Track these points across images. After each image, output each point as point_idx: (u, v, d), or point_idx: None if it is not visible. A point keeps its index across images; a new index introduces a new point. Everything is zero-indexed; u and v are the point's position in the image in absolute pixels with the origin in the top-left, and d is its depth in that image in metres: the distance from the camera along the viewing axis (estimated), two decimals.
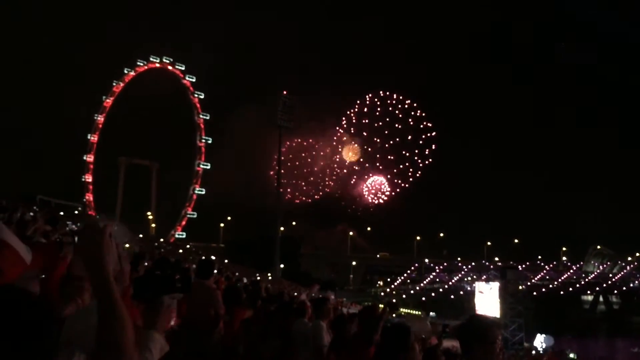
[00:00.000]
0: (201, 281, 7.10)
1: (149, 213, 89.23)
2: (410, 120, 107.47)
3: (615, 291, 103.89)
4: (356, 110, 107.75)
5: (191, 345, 6.59)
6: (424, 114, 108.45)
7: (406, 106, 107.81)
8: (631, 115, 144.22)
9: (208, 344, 6.62)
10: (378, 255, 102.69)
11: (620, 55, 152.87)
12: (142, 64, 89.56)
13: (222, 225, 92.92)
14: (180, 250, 51.94)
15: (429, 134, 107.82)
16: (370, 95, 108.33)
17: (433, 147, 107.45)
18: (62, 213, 37.43)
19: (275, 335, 8.21)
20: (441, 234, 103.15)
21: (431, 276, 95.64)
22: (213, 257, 54.37)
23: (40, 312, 1.55)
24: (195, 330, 6.65)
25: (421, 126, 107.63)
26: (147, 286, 2.98)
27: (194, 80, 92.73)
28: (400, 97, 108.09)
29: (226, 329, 6.94)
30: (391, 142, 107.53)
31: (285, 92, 77.09)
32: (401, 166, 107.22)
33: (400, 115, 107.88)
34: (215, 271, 8.80)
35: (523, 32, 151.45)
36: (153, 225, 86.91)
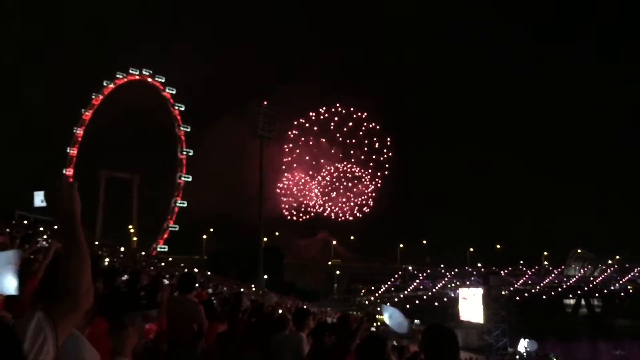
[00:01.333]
0: (183, 295, 7.09)
1: (130, 227, 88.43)
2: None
3: (597, 294, 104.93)
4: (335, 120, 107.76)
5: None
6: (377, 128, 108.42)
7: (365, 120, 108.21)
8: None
9: (191, 358, 6.61)
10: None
11: None
12: (121, 76, 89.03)
13: (204, 237, 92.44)
14: (162, 264, 51.49)
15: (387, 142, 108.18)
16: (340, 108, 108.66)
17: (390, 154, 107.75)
18: (41, 228, 36.94)
19: (254, 347, 8.22)
20: (424, 241, 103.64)
21: (415, 283, 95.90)
22: (196, 270, 54.08)
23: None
24: (177, 345, 6.65)
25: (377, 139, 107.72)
26: (111, 303, 3.00)
27: (174, 92, 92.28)
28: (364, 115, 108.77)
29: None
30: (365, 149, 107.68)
31: (265, 103, 77.03)
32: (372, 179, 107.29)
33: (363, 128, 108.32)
34: (197, 285, 8.79)
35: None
36: (135, 238, 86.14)
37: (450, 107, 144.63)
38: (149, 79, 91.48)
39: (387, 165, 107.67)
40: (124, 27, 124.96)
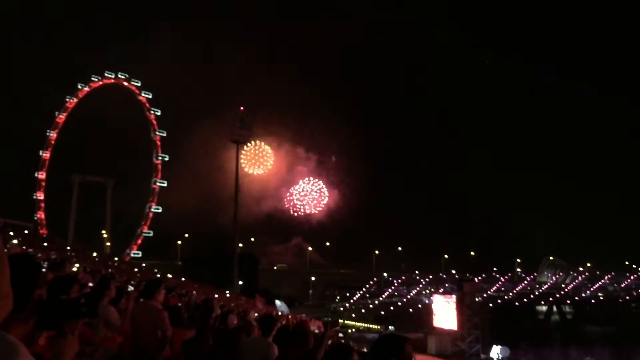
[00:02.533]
0: (147, 301, 7.03)
1: (103, 232, 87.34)
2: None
3: (568, 301, 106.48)
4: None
5: None
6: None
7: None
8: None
9: None
10: (341, 270, 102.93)
11: None
12: (96, 80, 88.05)
13: (179, 242, 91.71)
14: (136, 269, 50.88)
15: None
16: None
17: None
18: (11, 233, 36.35)
19: (223, 354, 8.19)
20: (399, 248, 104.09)
21: (390, 290, 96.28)
22: (170, 276, 53.61)
23: None
24: (141, 352, 6.59)
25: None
26: (50, 311, 2.97)
27: (150, 96, 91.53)
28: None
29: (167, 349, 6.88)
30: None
31: (242, 108, 77.02)
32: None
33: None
34: (164, 290, 8.72)
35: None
36: (108, 244, 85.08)
37: (427, 112, 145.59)
38: (125, 83, 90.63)
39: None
40: (100, 29, 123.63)
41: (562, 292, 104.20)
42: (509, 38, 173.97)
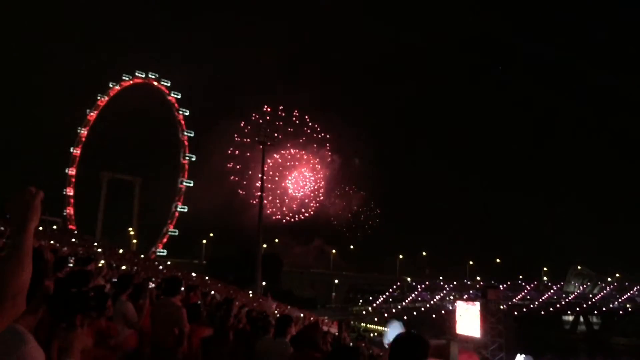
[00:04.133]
0: (166, 299, 7.10)
1: (130, 229, 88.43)
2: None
3: (596, 311, 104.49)
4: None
5: None
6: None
7: None
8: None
9: None
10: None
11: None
12: (127, 79, 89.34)
13: (204, 242, 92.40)
14: (160, 267, 51.46)
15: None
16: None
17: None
18: (40, 228, 37.00)
19: (241, 353, 8.23)
20: (424, 253, 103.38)
21: (413, 295, 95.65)
22: (194, 275, 54.06)
23: None
24: (159, 348, 6.66)
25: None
26: (60, 304, 3.01)
27: (179, 96, 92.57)
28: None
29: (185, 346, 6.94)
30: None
31: (268, 109, 77.36)
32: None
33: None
34: (183, 288, 8.79)
35: None
36: (134, 241, 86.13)
37: (454, 120, 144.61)
38: (155, 83, 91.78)
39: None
40: (131, 30, 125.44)
41: (590, 302, 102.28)
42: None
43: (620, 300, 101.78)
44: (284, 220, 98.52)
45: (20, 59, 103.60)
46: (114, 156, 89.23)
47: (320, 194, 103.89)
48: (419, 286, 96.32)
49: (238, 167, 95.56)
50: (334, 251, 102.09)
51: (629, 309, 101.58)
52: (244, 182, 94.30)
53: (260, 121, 78.14)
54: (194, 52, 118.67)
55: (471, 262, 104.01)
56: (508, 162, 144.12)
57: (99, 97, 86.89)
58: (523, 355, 53.00)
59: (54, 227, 46.12)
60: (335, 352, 4.23)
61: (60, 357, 2.89)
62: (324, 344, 6.60)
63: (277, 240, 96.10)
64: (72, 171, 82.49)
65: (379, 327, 77.88)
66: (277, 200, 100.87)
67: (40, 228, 36.92)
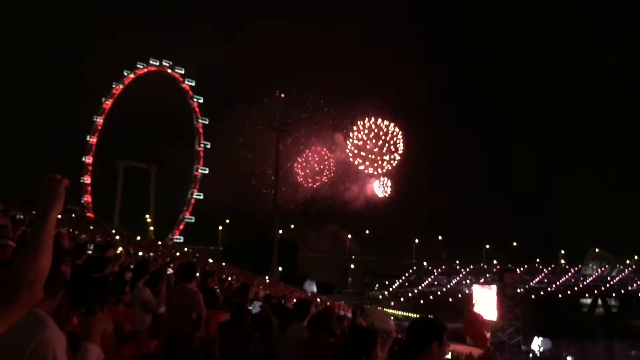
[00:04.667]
0: (183, 284, 7.14)
1: (147, 216, 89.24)
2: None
3: (614, 294, 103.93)
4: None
5: (171, 348, 6.65)
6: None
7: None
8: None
9: (189, 347, 6.67)
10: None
11: None
12: (141, 67, 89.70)
13: (220, 228, 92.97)
14: (178, 254, 51.91)
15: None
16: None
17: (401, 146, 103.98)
18: (59, 216, 37.38)
19: (259, 339, 8.29)
20: (440, 237, 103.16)
21: (429, 279, 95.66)
22: (211, 261, 54.48)
23: None
24: (175, 334, 6.71)
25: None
26: (79, 289, 3.05)
27: (193, 84, 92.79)
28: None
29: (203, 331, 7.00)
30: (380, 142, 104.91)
31: (282, 95, 77.17)
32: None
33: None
34: (199, 274, 8.85)
35: None
36: (151, 228, 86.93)
37: (469, 103, 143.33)
38: (169, 70, 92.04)
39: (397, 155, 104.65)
40: (146, 17, 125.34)
41: (608, 285, 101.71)
42: None
43: (638, 282, 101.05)
44: (293, 207, 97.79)
45: (37, 49, 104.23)
46: (130, 144, 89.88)
47: (334, 179, 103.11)
48: (435, 270, 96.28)
49: (250, 155, 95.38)
50: (349, 236, 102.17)
51: None
52: (257, 171, 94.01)
53: (273, 107, 77.54)
54: (208, 38, 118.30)
55: (488, 246, 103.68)
56: (530, 144, 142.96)
57: (114, 86, 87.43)
58: (540, 338, 53.15)
59: (72, 215, 46.65)
60: (351, 334, 4.20)
61: (81, 342, 2.93)
62: (338, 328, 6.60)
63: (292, 226, 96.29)
64: (88, 159, 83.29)
65: (395, 312, 78.15)
66: (290, 189, 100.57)
67: (59, 216, 37.30)
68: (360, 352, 3.83)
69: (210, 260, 55.62)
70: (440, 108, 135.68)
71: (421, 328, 3.65)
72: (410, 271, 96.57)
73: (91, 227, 41.66)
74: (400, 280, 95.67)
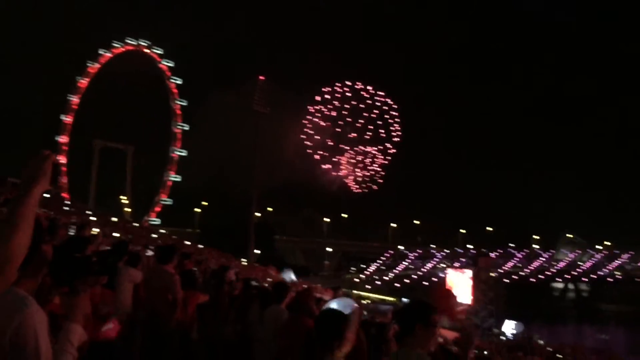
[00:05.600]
0: (160, 266, 7.18)
1: (123, 197, 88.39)
2: (377, 104, 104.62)
3: (585, 279, 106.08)
4: (326, 96, 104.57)
5: (149, 330, 6.69)
6: (391, 103, 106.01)
7: (372, 91, 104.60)
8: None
9: (166, 328, 6.71)
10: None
11: None
12: (118, 46, 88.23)
13: (197, 210, 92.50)
14: (154, 235, 51.56)
15: (395, 120, 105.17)
16: (338, 84, 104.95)
17: (398, 132, 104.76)
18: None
19: (235, 321, 8.36)
20: (416, 222, 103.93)
21: (405, 263, 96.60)
22: (188, 243, 54.28)
23: None
24: (153, 315, 6.76)
25: (386, 110, 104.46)
26: (62, 269, 3.05)
27: (171, 65, 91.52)
28: (368, 88, 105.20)
29: (181, 313, 7.04)
30: (357, 125, 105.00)
31: (262, 78, 76.82)
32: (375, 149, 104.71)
33: (368, 102, 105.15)
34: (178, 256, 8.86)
35: None
36: (127, 209, 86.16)
37: (448, 83, 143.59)
38: (146, 50, 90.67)
39: (394, 142, 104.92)
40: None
41: (579, 270, 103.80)
42: None
43: (609, 268, 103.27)
44: (271, 190, 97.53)
45: (13, 28, 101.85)
46: (106, 124, 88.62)
47: (312, 161, 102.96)
48: (411, 254, 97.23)
49: (231, 136, 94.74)
50: (326, 219, 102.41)
51: (619, 277, 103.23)
52: (237, 154, 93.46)
53: (253, 90, 77.32)
54: (189, 18, 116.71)
55: (463, 231, 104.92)
56: (502, 131, 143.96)
57: (89, 64, 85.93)
58: (513, 322, 54.18)
59: (47, 195, 46.00)
60: (321, 317, 4.23)
61: (63, 322, 2.94)
62: (318, 309, 6.70)
63: (270, 209, 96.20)
64: (63, 139, 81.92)
65: (371, 295, 78.95)
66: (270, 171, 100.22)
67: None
68: (330, 334, 3.85)
69: (187, 243, 55.36)
70: (418, 85, 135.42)
71: (407, 310, 3.73)
72: (387, 255, 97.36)
73: (66, 208, 41.17)
74: (377, 264, 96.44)
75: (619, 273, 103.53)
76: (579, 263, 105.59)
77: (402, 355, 3.52)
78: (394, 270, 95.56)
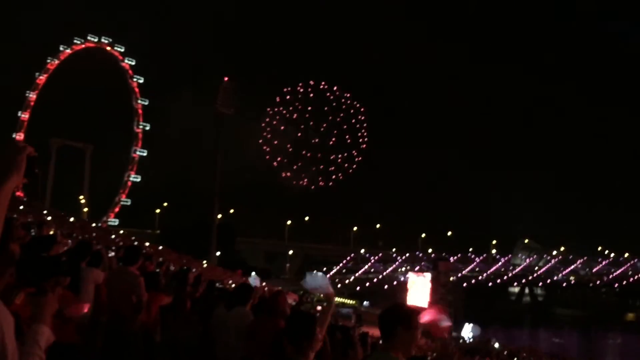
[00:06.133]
0: (124, 267, 7.09)
1: (81, 197, 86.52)
2: (341, 106, 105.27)
3: (540, 283, 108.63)
4: (287, 98, 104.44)
5: (112, 332, 6.59)
6: (356, 103, 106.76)
7: (337, 94, 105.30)
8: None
9: (129, 330, 6.63)
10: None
11: None
12: (79, 42, 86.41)
13: (157, 211, 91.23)
14: (113, 236, 50.67)
15: (361, 123, 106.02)
16: (301, 84, 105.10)
17: (365, 135, 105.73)
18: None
19: (198, 321, 8.28)
20: (377, 225, 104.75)
21: (366, 266, 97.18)
22: (147, 244, 53.53)
23: None
24: (116, 317, 6.66)
25: (352, 112, 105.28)
26: (29, 268, 2.98)
27: (133, 63, 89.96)
28: (333, 88, 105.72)
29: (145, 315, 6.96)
30: (322, 129, 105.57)
31: (226, 79, 76.33)
32: (339, 156, 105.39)
33: (334, 104, 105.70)
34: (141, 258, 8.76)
35: None
36: (85, 210, 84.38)
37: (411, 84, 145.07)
38: (108, 48, 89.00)
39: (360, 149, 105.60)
40: None
41: (535, 275, 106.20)
42: None
43: (564, 273, 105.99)
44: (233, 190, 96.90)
45: None
46: (65, 122, 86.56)
47: (275, 163, 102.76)
48: (372, 258, 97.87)
49: (194, 137, 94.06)
50: (288, 222, 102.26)
51: (572, 281, 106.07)
52: (201, 153, 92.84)
53: (218, 90, 76.66)
54: (152, 15, 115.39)
55: (423, 235, 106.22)
56: (462, 134, 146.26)
57: (48, 60, 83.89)
58: (471, 325, 54.95)
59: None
60: (291, 318, 4.28)
61: (30, 323, 2.86)
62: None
63: (232, 211, 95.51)
64: (19, 136, 79.70)
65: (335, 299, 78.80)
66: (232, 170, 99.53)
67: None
68: (299, 335, 3.88)
69: (147, 244, 54.56)
70: (378, 85, 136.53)
71: (387, 315, 3.76)
72: (348, 258, 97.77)
73: (21, 207, 40.14)
74: (338, 267, 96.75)
75: (573, 278, 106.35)
76: (535, 268, 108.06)
77: (376, 359, 3.57)
78: (355, 274, 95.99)
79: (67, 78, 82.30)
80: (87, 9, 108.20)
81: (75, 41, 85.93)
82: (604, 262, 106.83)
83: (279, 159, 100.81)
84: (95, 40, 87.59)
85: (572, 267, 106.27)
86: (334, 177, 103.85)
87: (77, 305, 5.15)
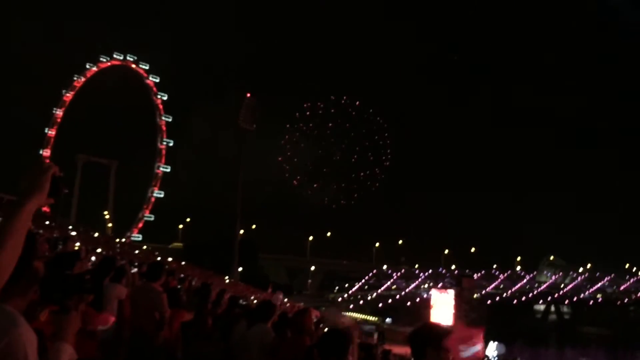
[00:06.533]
0: (148, 283, 7.10)
1: (105, 212, 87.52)
2: (364, 122, 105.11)
3: (567, 301, 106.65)
4: (307, 114, 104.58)
5: (134, 348, 6.59)
6: (379, 119, 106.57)
7: (359, 109, 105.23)
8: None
9: (151, 347, 6.62)
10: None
11: None
12: (104, 60, 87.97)
13: (180, 226, 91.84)
14: (137, 252, 51.11)
15: (385, 140, 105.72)
16: (320, 103, 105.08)
17: (388, 152, 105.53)
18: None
19: (220, 339, 8.26)
20: (400, 241, 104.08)
21: (388, 283, 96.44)
22: (170, 259, 53.86)
23: None
24: (138, 333, 6.66)
25: (376, 131, 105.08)
26: (53, 286, 2.99)
27: (157, 80, 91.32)
28: (356, 103, 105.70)
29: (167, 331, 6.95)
30: (343, 146, 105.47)
31: (248, 95, 76.86)
32: (361, 173, 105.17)
33: (355, 121, 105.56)
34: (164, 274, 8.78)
35: None
36: (110, 225, 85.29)
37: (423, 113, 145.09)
38: (133, 65, 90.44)
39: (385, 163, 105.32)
40: (111, 11, 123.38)
41: (561, 292, 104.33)
42: None
43: (590, 290, 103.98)
44: (255, 207, 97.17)
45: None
46: (90, 138, 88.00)
47: (295, 182, 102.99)
48: (394, 274, 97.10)
49: (218, 154, 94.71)
50: (310, 238, 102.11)
51: (599, 300, 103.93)
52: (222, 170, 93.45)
53: (240, 107, 77.14)
54: (176, 35, 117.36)
55: (447, 251, 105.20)
56: (487, 152, 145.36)
57: (75, 78, 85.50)
58: (495, 343, 54.10)
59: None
60: (326, 335, 4.28)
61: (54, 341, 2.86)
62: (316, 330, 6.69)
63: (254, 227, 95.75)
64: (46, 152, 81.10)
65: (354, 315, 78.49)
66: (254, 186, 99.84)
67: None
68: (332, 352, 3.88)
69: (170, 259, 54.88)
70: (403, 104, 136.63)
71: (417, 335, 3.72)
72: (370, 274, 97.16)
73: (47, 223, 40.68)
74: (360, 283, 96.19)
75: (600, 296, 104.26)
76: (561, 285, 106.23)
77: None
78: (377, 290, 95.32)
79: (93, 95, 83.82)
80: (110, 27, 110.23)
81: (101, 59, 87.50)
82: (631, 280, 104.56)
83: (298, 177, 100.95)
84: (121, 58, 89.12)
85: (599, 284, 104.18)
86: (355, 195, 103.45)
87: (103, 317, 5.18)
